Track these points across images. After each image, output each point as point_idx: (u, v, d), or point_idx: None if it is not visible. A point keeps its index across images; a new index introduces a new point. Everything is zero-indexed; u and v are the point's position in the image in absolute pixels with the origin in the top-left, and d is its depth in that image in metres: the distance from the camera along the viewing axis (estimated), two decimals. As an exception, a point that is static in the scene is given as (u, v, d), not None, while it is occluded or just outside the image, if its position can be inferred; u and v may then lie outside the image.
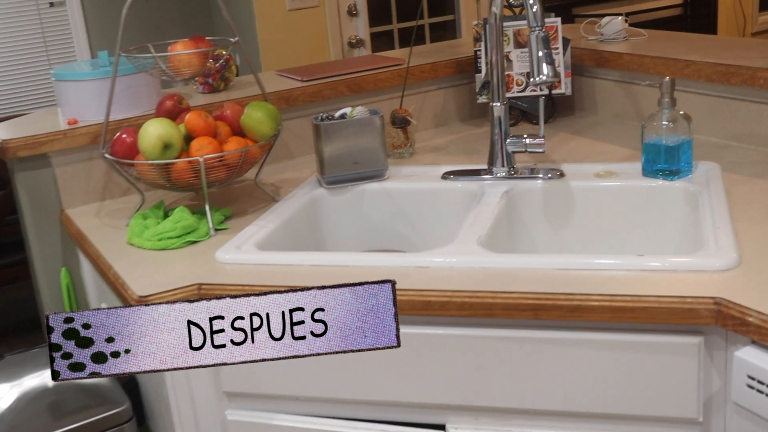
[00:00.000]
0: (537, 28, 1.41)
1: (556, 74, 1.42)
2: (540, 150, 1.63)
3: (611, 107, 2.04)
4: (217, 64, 1.89)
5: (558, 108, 2.10)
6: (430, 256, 1.32)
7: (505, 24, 1.92)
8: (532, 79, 1.42)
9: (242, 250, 1.41)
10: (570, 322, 1.18)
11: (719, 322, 1.11)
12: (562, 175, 1.63)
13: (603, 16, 2.18)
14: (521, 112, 2.08)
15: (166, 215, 1.57)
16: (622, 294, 1.15)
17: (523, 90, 2.03)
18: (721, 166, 1.60)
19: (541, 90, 2.01)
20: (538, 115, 2.03)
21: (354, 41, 3.92)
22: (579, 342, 1.18)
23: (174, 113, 1.64)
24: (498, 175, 1.65)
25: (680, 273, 1.19)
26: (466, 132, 2.06)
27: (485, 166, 1.68)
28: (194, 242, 1.49)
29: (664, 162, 1.56)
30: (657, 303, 1.13)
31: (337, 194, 1.69)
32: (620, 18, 2.11)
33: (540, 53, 1.40)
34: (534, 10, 1.43)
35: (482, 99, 2.07)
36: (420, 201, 1.68)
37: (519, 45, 2.02)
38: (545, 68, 1.39)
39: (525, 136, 1.64)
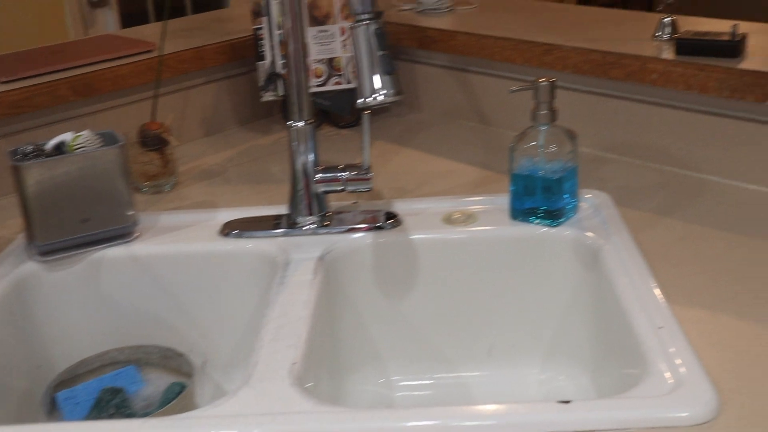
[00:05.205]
0: (367, 18, 0.86)
1: (401, 90, 0.88)
2: (366, 188, 1.11)
3: (440, 102, 1.55)
4: None
5: (369, 102, 1.58)
6: (217, 426, 0.77)
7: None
8: (361, 99, 0.89)
9: None
10: None
11: None
12: (397, 221, 1.12)
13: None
14: (322, 113, 1.54)
15: None
16: (560, 503, 0.66)
17: (324, 83, 1.49)
18: (609, 195, 1.16)
19: (348, 85, 1.48)
20: (359, 125, 1.52)
21: None
22: None
23: None
24: (305, 227, 1.12)
25: (635, 434, 0.72)
26: (249, 143, 1.50)
27: (284, 210, 1.14)
28: None
29: (543, 199, 1.09)
30: None
31: (58, 269, 1.09)
32: (442, -19, 1.61)
33: (373, 60, 0.86)
34: (358, -16, 0.89)
35: (268, 96, 1.50)
36: (191, 273, 1.11)
37: (315, 21, 1.47)
38: (385, 82, 0.86)
39: (341, 167, 1.11)
